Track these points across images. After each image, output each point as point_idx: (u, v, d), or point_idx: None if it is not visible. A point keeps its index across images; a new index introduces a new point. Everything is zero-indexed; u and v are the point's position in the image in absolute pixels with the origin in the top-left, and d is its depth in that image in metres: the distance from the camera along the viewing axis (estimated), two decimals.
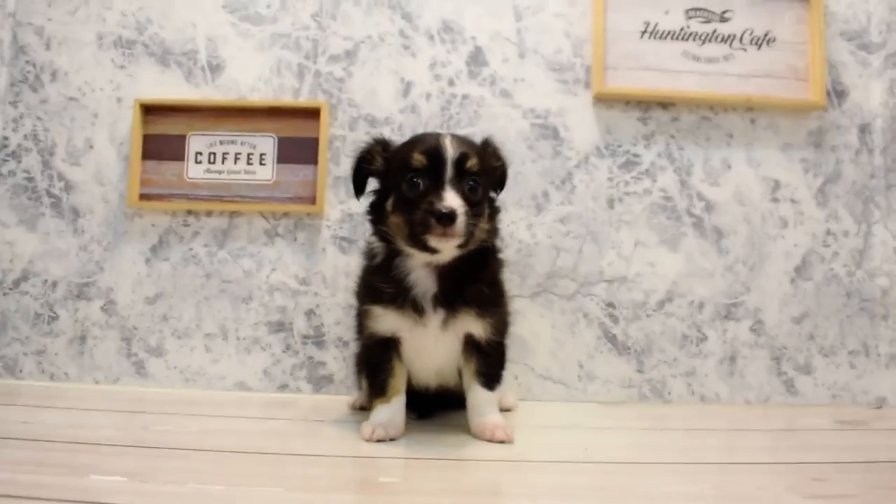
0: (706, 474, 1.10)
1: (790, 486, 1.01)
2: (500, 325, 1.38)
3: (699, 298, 1.85)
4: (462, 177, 1.22)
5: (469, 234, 1.21)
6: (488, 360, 1.34)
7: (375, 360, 1.33)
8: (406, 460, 1.14)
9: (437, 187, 1.20)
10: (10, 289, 1.86)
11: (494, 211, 1.36)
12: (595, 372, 1.83)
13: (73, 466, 1.03)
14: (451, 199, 1.18)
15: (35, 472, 0.98)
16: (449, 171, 1.21)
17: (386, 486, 1.00)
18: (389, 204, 1.28)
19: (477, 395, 1.33)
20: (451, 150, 1.22)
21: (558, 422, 1.56)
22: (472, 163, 1.24)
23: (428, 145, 1.25)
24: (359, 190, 1.39)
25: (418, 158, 1.23)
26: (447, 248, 1.22)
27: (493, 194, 1.38)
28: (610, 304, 1.84)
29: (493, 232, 1.35)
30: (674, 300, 1.85)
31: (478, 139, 1.39)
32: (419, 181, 1.23)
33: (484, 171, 1.28)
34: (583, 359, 1.83)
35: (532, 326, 1.83)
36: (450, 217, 1.16)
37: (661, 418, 1.63)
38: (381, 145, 1.36)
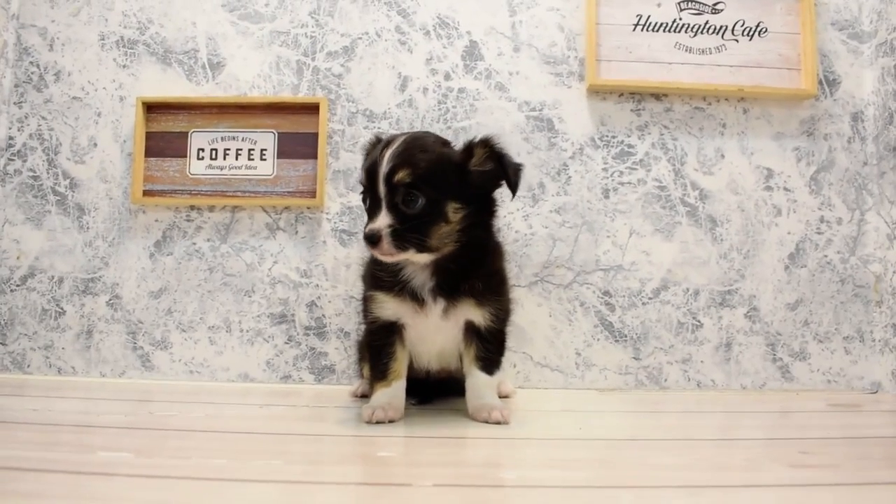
0: (698, 449, 1.13)
1: (776, 458, 1.04)
2: (501, 314, 1.40)
3: (694, 286, 1.88)
4: (395, 191, 1.23)
5: (420, 244, 1.23)
6: (488, 346, 1.37)
7: (378, 344, 1.36)
8: (405, 438, 1.17)
9: (375, 205, 1.26)
10: (18, 285, 1.89)
11: (481, 209, 1.34)
12: (592, 359, 1.85)
13: (81, 445, 1.06)
14: (377, 221, 1.23)
15: (45, 450, 1.02)
16: (382, 189, 1.24)
17: (384, 459, 1.03)
18: None
19: (476, 379, 1.36)
20: (384, 166, 1.23)
21: (555, 406, 1.58)
22: (401, 176, 1.22)
23: (368, 162, 1.30)
24: None
25: (362, 177, 1.30)
26: (408, 258, 1.27)
27: (492, 193, 1.36)
28: (606, 293, 1.87)
29: (482, 228, 1.34)
30: (669, 288, 1.87)
31: (478, 134, 1.38)
32: (365, 197, 1.31)
33: (425, 178, 1.23)
34: (580, 347, 1.86)
35: (529, 315, 1.86)
36: (371, 240, 1.22)
37: (658, 403, 1.65)
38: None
